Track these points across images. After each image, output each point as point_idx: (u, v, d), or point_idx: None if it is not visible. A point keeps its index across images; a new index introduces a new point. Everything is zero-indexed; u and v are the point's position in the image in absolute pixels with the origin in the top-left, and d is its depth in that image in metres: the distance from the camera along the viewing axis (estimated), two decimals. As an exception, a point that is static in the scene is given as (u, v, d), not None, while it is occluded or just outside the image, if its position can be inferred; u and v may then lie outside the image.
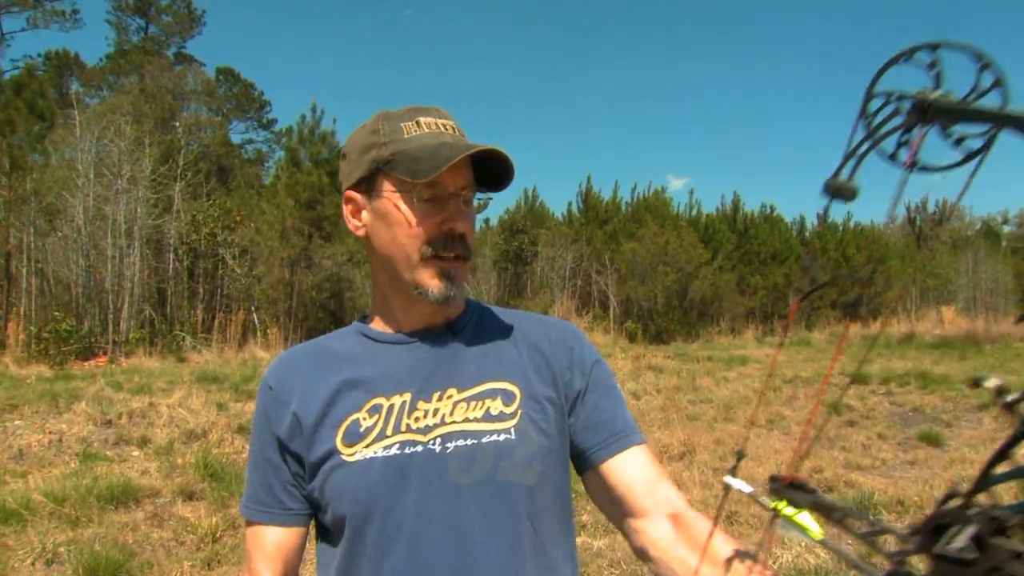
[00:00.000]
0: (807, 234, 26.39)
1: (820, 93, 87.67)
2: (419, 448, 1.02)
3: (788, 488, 0.66)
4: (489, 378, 1.09)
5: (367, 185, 1.10)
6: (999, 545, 0.54)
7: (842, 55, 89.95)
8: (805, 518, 0.74)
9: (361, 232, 1.13)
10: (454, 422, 1.04)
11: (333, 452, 1.03)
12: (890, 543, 0.64)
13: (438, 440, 1.03)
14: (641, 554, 1.02)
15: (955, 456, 6.68)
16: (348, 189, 1.13)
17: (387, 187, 1.08)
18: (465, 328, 1.16)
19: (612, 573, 4.17)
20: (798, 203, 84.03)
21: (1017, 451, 0.57)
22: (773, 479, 0.68)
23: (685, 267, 20.94)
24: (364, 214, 1.12)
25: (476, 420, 1.05)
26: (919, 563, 0.61)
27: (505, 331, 1.17)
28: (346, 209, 1.15)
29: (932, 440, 7.26)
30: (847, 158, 0.52)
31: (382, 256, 1.11)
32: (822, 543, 0.74)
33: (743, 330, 21.04)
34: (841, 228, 26.19)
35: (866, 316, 23.21)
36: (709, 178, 70.65)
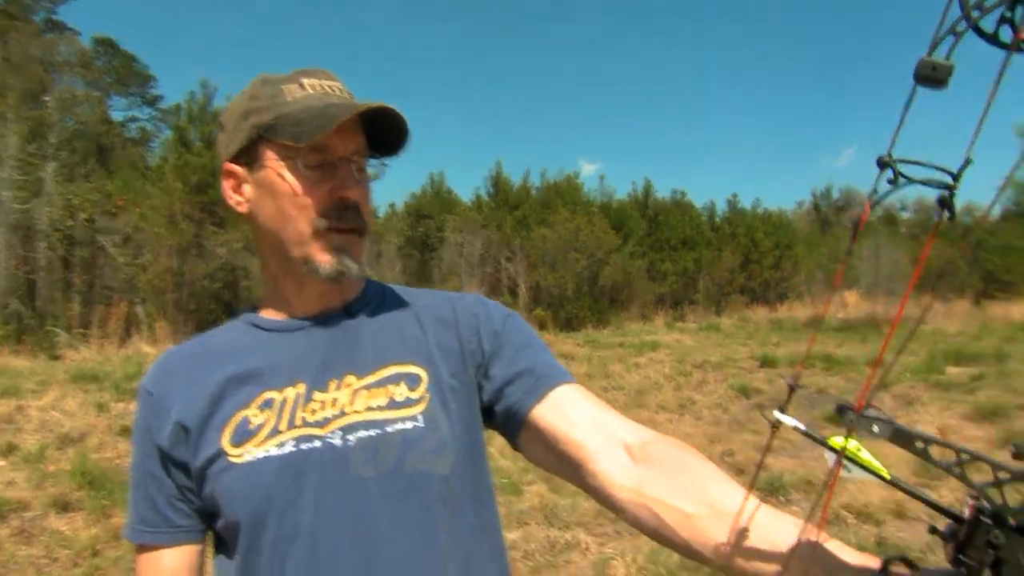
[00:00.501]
0: (717, 220, 27.29)
1: (732, 81, 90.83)
2: (317, 443, 0.96)
3: (862, 417, 0.60)
4: (391, 361, 1.04)
5: (248, 156, 1.04)
6: None
7: (756, 43, 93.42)
8: (868, 456, 0.70)
9: (244, 208, 1.06)
10: (355, 412, 0.99)
11: (219, 454, 0.97)
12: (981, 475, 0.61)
13: (338, 433, 0.97)
14: (609, 504, 0.94)
15: (858, 436, 7.07)
16: (227, 162, 1.07)
17: (270, 156, 1.02)
18: (364, 309, 1.10)
19: (526, 565, 4.19)
20: (708, 189, 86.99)
21: None
22: (843, 408, 0.62)
23: (596, 253, 21.26)
24: (246, 188, 1.06)
25: (380, 408, 0.99)
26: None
27: (407, 309, 1.12)
28: (226, 184, 1.08)
29: (838, 421, 7.63)
30: (942, 37, 0.48)
31: (269, 233, 1.05)
32: (891, 482, 0.69)
33: (654, 316, 21.58)
34: (749, 215, 27.20)
35: (772, 301, 24.23)
36: (621, 164, 72.11)
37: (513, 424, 1.04)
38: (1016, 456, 0.56)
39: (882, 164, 0.56)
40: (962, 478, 0.59)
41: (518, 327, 1.11)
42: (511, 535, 4.57)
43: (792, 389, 0.70)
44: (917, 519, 4.72)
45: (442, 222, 22.48)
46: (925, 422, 7.31)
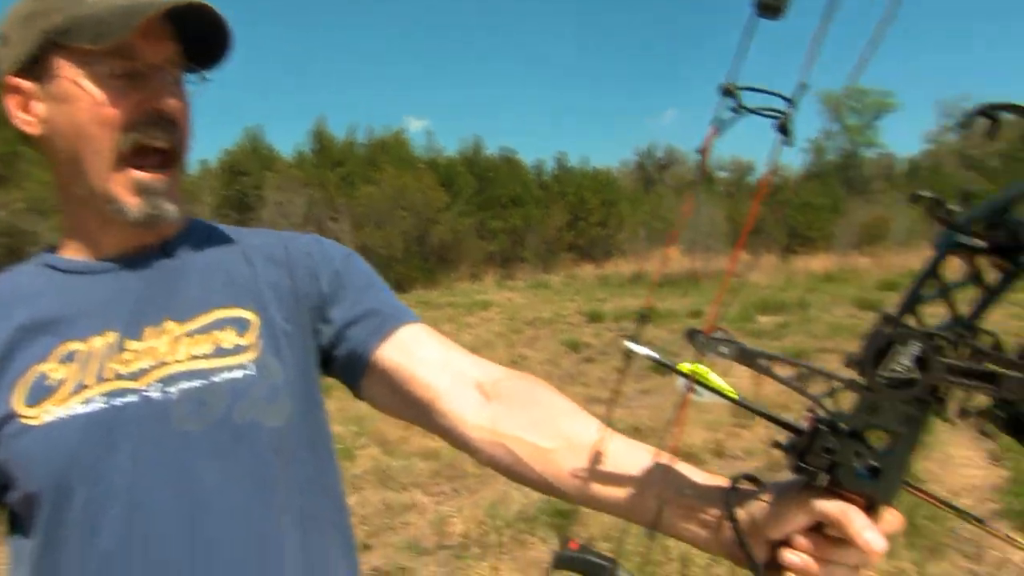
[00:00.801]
0: (545, 178, 27.98)
1: (560, 40, 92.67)
2: (132, 397, 0.86)
3: (712, 339, 0.64)
4: (217, 305, 0.95)
5: (37, 67, 0.90)
6: (939, 362, 0.57)
7: (582, 2, 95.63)
8: (717, 379, 0.74)
9: (35, 129, 0.92)
10: (177, 362, 0.89)
11: (10, 416, 0.85)
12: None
13: (157, 385, 0.88)
14: (462, 444, 0.91)
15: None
16: (10, 76, 0.91)
17: (64, 65, 0.88)
18: (185, 248, 1.00)
19: (363, 530, 4.13)
20: (537, 147, 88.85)
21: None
22: (693, 332, 0.66)
23: (424, 212, 21.17)
24: (37, 106, 0.91)
25: (205, 357, 0.90)
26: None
27: (235, 248, 1.03)
28: (10, 103, 0.92)
29: (662, 370, 8.18)
30: None
31: (66, 156, 0.91)
32: (738, 402, 0.74)
33: (483, 275, 21.89)
34: (577, 173, 28.11)
35: (599, 258, 25.30)
36: (449, 121, 71.92)
37: (356, 367, 0.98)
38: (848, 365, 0.61)
39: (725, 92, 0.61)
40: (801, 391, 0.64)
41: (359, 267, 1.06)
42: (348, 500, 4.49)
43: (641, 318, 0.76)
44: (735, 457, 5.13)
45: (261, 180, 21.44)
46: (740, 367, 7.94)
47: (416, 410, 0.95)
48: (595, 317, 12.29)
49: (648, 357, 0.72)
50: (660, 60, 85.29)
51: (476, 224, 23.42)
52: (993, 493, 4.31)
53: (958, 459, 4.83)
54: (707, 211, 21.77)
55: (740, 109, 0.61)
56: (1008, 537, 0.70)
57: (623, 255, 25.01)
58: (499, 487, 4.76)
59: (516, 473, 0.88)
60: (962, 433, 5.32)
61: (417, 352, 0.96)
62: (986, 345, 0.57)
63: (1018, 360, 0.56)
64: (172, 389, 0.87)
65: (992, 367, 0.56)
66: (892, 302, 0.60)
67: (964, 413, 0.59)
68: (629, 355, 0.72)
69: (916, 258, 17.62)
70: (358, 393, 1.01)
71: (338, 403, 6.46)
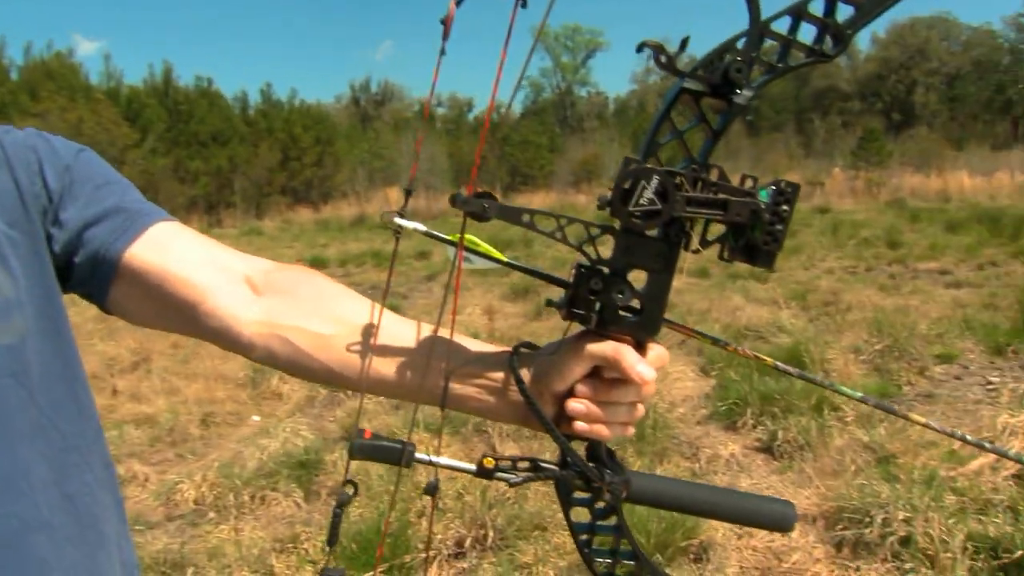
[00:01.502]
0: (250, 112, 26.59)
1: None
2: None
3: (473, 199, 0.70)
4: None
5: None
6: (679, 195, 0.68)
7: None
8: (486, 246, 0.79)
9: None
10: None
11: None
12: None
13: None
14: (236, 344, 0.88)
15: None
16: None
17: None
18: None
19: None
20: (238, 78, 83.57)
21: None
22: (456, 196, 0.70)
23: (108, 151, 19.23)
24: None
25: None
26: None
27: None
28: None
29: (393, 311, 8.36)
30: None
31: None
32: (508, 264, 0.80)
33: (186, 222, 20.36)
34: (286, 107, 27.03)
35: (316, 201, 24.77)
36: (130, 43, 64.93)
37: (102, 274, 0.90)
38: (601, 207, 0.71)
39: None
40: (564, 240, 0.73)
41: (94, 161, 0.96)
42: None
43: (407, 193, 0.81)
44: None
45: None
46: (471, 304, 8.34)
47: (179, 315, 0.90)
48: (318, 263, 12.11)
49: (416, 230, 0.78)
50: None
51: (172, 165, 21.72)
52: (704, 400, 5.03)
53: (674, 374, 5.55)
54: (428, 149, 22.18)
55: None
56: (756, 356, 0.87)
57: (343, 197, 24.73)
58: (230, 447, 4.63)
59: (298, 365, 0.87)
60: (677, 352, 6.11)
61: (175, 250, 0.90)
62: (714, 179, 0.71)
63: (740, 188, 0.71)
64: None
65: (722, 196, 0.70)
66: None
67: (704, 243, 0.73)
68: (398, 231, 0.77)
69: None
70: (106, 306, 0.93)
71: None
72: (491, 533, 3.23)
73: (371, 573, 2.85)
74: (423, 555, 3.12)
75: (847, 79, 43.23)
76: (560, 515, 0.83)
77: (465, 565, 3.14)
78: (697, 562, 3.04)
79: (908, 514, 3.03)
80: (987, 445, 0.91)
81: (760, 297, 8.27)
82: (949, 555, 2.83)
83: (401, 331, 0.86)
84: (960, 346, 5.91)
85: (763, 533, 3.21)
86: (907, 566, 2.86)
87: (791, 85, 42.84)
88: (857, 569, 2.96)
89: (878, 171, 24.30)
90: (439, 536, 3.25)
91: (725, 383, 5.02)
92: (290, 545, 3.25)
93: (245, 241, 16.79)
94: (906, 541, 2.96)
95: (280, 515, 3.68)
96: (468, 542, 3.22)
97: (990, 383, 5.12)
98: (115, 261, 0.89)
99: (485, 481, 0.81)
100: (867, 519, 3.09)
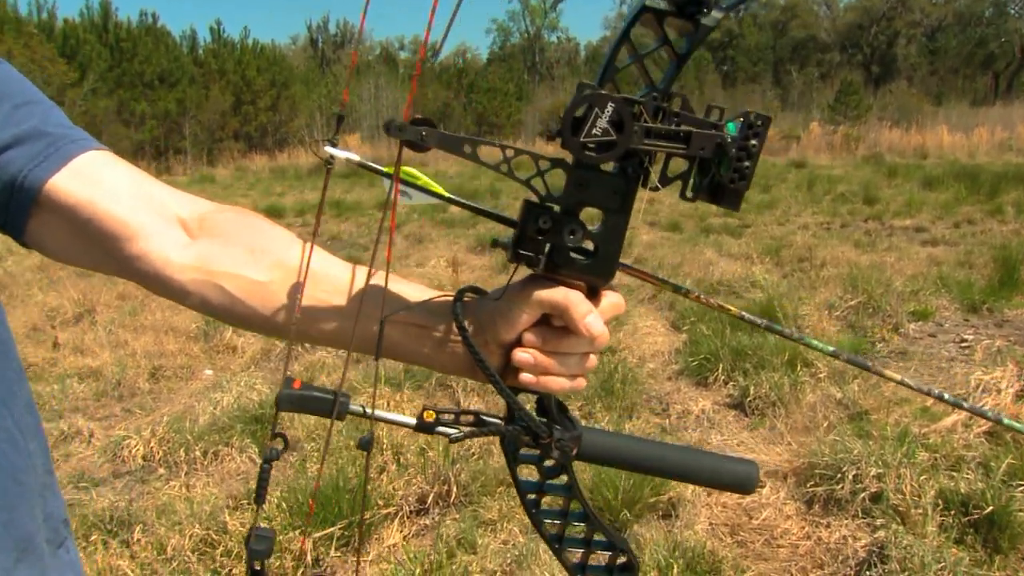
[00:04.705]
0: (200, 52, 25.93)
1: None
2: None
3: (409, 126, 0.65)
4: None
5: None
6: (637, 125, 0.65)
7: None
8: (425, 178, 0.75)
9: None
10: None
11: None
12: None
13: None
14: (167, 289, 0.84)
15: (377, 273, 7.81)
16: None
17: None
18: None
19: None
20: (185, 13, 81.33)
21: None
22: (390, 122, 0.66)
23: (44, 89, 18.54)
24: None
25: None
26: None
27: None
28: None
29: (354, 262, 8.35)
30: None
31: None
32: (448, 199, 0.76)
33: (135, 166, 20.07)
34: (239, 48, 26.38)
35: (272, 148, 24.35)
36: (64, -24, 62.60)
37: (18, 204, 0.83)
38: (549, 138, 0.67)
39: None
40: (510, 174, 0.68)
41: (13, 77, 0.88)
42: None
43: (338, 119, 0.75)
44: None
45: None
46: (436, 255, 8.30)
47: (106, 255, 0.85)
48: (275, 212, 11.94)
49: (350, 160, 0.72)
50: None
51: (116, 107, 21.16)
52: (675, 355, 5.08)
53: (644, 329, 5.58)
54: (388, 94, 21.85)
55: None
56: (720, 306, 0.84)
57: (300, 144, 24.34)
58: (181, 400, 4.58)
59: (234, 314, 0.84)
60: (648, 306, 6.15)
61: (104, 182, 0.84)
62: (676, 109, 0.67)
63: (705, 119, 0.67)
64: None
65: (685, 128, 0.66)
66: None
67: (665, 180, 0.69)
68: (329, 161, 0.71)
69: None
70: (22, 238, 0.87)
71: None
72: (455, 489, 3.24)
73: (303, 536, 2.83)
74: (384, 511, 3.13)
75: (827, 29, 43.32)
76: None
77: (427, 522, 3.15)
78: (666, 518, 3.08)
79: (880, 470, 3.10)
80: (965, 404, 0.90)
81: (734, 252, 8.33)
82: (920, 511, 2.90)
83: (338, 276, 0.82)
84: (935, 304, 6.02)
85: (733, 489, 3.26)
86: (878, 522, 2.93)
87: (768, 35, 42.84)
88: (827, 525, 3.02)
89: (856, 125, 24.48)
90: (400, 492, 3.25)
91: (696, 338, 5.06)
92: (244, 501, 3.23)
93: (197, 188, 16.47)
94: (877, 497, 3.03)
95: (234, 471, 3.65)
96: (431, 498, 3.23)
97: (964, 340, 5.23)
98: (35, 190, 0.82)
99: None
100: (838, 475, 3.15)
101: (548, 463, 0.78)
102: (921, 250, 8.39)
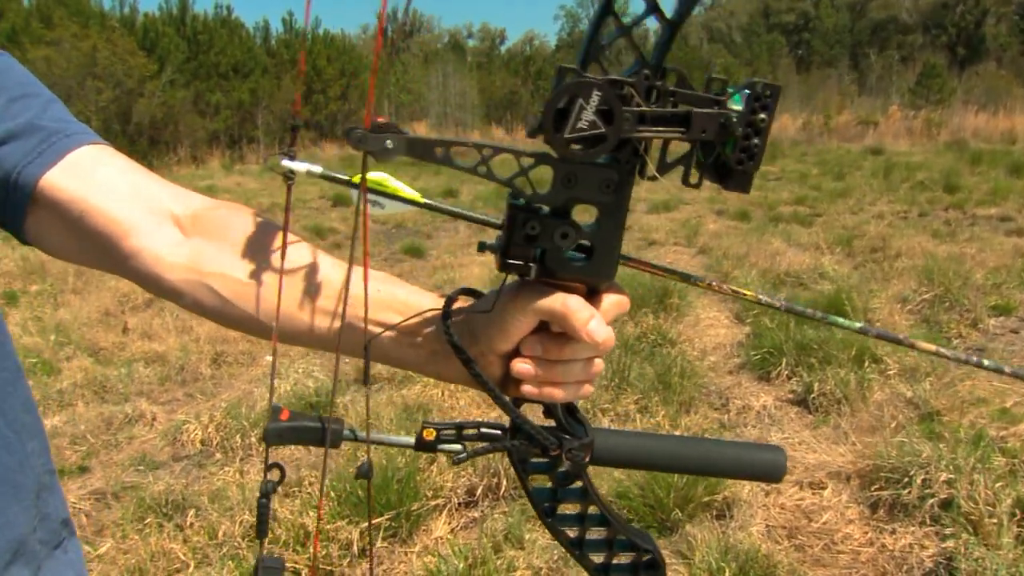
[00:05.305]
0: (273, 43, 26.41)
1: None
2: None
3: (373, 134, 0.58)
4: None
5: None
6: (627, 112, 0.57)
7: None
8: (397, 184, 0.69)
9: None
10: None
11: None
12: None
13: None
14: (159, 288, 0.82)
15: (437, 264, 7.92)
16: None
17: None
18: None
19: (77, 451, 3.87)
20: (258, 6, 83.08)
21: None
22: (351, 130, 0.57)
23: (125, 82, 19.24)
24: None
25: None
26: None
27: None
28: None
29: (416, 252, 8.56)
30: None
31: None
32: (426, 205, 0.70)
33: (207, 157, 20.57)
34: (310, 38, 26.78)
35: (342, 137, 24.65)
36: (146, -30, 64.60)
37: (15, 201, 0.83)
38: (531, 135, 0.59)
39: None
40: (489, 175, 0.60)
41: (12, 68, 0.87)
42: (50, 421, 4.14)
43: (292, 129, 0.67)
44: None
45: None
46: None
47: (99, 251, 0.84)
48: (341, 200, 12.07)
49: (310, 172, 0.65)
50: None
51: (192, 97, 21.71)
52: (737, 349, 4.94)
53: (706, 321, 5.45)
54: (456, 82, 21.91)
55: None
56: (733, 291, 0.76)
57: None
58: (240, 386, 4.65)
59: (227, 316, 0.82)
60: (711, 297, 6.00)
61: (99, 178, 0.84)
62: (672, 85, 0.58)
63: (705, 95, 0.58)
64: None
65: (683, 107, 0.58)
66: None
67: (664, 167, 0.61)
68: (289, 175, 0.65)
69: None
70: (21, 235, 0.86)
71: (28, 311, 5.86)
72: (504, 482, 3.20)
73: (309, 564, 2.80)
74: (433, 503, 3.11)
75: (908, 9, 41.80)
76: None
77: (476, 514, 3.12)
78: (720, 519, 2.98)
79: (951, 475, 2.94)
80: (1013, 371, 0.82)
81: (803, 242, 8.09)
82: (994, 521, 2.74)
83: (328, 279, 0.79)
84: (1019, 298, 5.72)
85: (792, 490, 3.14)
86: (947, 531, 2.78)
87: (846, 17, 41.55)
88: (892, 532, 2.88)
89: (939, 110, 23.56)
90: (449, 484, 3.22)
91: (760, 331, 4.91)
92: (295, 489, 3.25)
93: (268, 178, 16.81)
94: (947, 504, 2.87)
95: (287, 457, 3.68)
96: (480, 491, 3.19)
97: (1049, 337, 4.96)
98: (30, 187, 0.81)
99: None
100: (906, 479, 3.00)
101: (561, 469, 0.74)
102: (1006, 240, 7.99)
